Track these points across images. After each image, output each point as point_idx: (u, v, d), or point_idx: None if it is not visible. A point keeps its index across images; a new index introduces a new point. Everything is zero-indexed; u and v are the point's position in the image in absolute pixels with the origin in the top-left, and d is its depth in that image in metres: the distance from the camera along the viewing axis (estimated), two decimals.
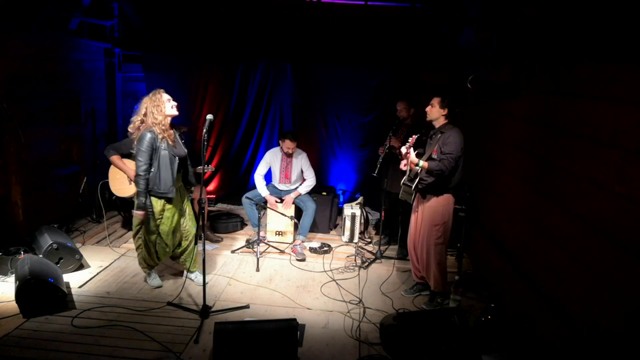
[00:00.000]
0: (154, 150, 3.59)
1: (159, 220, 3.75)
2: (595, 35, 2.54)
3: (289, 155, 5.25)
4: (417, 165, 3.61)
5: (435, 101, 3.70)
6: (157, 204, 3.70)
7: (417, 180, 3.70)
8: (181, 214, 3.91)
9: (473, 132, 3.74)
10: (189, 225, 3.98)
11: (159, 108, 3.61)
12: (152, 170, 3.62)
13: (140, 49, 6.32)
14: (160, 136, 3.59)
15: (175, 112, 3.70)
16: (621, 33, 2.30)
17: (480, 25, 4.36)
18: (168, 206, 3.76)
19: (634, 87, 2.25)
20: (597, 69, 2.61)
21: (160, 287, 4.05)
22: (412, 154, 3.66)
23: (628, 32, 2.23)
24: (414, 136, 3.76)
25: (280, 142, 5.26)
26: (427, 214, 3.78)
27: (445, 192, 3.71)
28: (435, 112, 3.70)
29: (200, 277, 3.73)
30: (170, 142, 3.66)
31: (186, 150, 3.84)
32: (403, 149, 3.73)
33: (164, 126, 3.63)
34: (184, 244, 4.01)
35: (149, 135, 3.57)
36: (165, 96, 3.66)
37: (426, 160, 3.62)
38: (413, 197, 3.87)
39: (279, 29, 5.79)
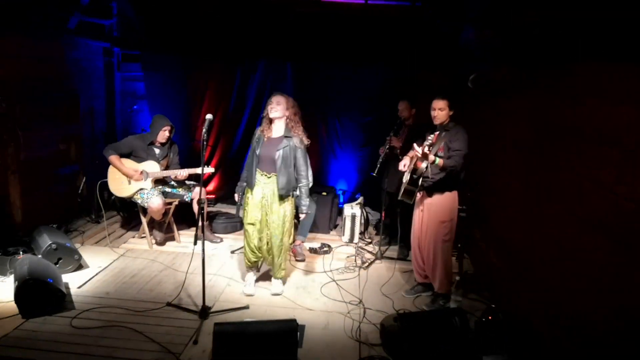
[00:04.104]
0: None
1: None
2: (595, 35, 2.53)
3: None
4: (433, 162, 3.53)
5: (444, 104, 3.66)
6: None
7: (420, 179, 3.68)
8: None
9: (473, 131, 3.74)
10: None
11: (300, 115, 3.93)
12: None
13: (139, 49, 6.30)
14: None
15: None
16: (621, 33, 2.29)
17: (480, 25, 4.36)
18: None
19: (634, 87, 2.24)
20: (598, 69, 2.60)
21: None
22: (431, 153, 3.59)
23: (628, 32, 2.22)
24: (436, 133, 3.71)
25: None
26: (433, 212, 3.76)
27: (452, 189, 3.72)
28: (445, 115, 3.69)
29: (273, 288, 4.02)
30: None
31: None
32: (418, 148, 3.52)
33: None
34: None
35: None
36: None
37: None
38: (414, 198, 3.85)
39: (279, 28, 5.77)
